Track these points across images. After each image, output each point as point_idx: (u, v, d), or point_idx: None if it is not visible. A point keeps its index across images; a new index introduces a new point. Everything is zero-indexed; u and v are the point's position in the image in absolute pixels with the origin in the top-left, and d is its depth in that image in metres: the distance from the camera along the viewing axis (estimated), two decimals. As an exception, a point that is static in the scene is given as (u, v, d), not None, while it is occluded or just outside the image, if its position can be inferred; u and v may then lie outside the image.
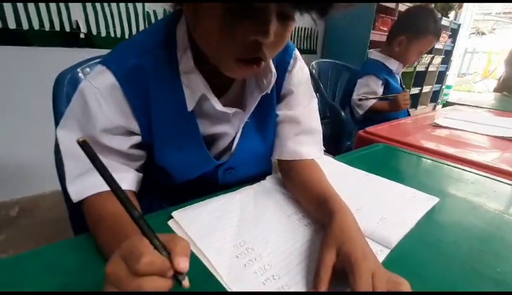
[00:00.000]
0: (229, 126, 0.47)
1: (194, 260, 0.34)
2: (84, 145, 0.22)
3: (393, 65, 1.28)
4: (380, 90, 1.26)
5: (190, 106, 0.41)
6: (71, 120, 0.38)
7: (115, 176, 0.38)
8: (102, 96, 0.37)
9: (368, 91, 1.25)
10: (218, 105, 0.42)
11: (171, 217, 0.41)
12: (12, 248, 1.13)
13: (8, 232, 1.24)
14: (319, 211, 0.41)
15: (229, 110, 0.44)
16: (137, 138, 0.42)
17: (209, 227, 0.40)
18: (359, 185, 0.55)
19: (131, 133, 0.41)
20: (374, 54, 1.31)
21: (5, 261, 0.33)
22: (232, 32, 0.31)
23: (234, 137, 0.48)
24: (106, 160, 0.38)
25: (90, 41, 1.39)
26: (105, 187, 0.35)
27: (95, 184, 0.37)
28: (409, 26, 1.18)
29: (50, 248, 0.36)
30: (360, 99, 1.25)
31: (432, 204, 0.48)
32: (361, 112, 1.27)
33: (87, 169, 0.37)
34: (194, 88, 0.40)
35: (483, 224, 0.45)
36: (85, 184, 0.37)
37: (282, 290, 0.31)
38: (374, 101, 1.23)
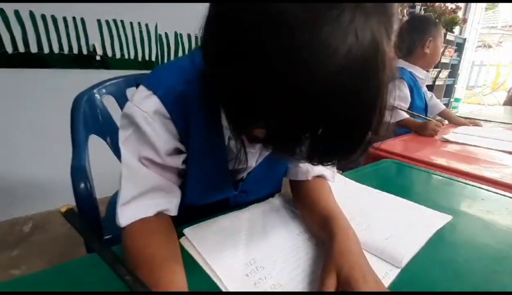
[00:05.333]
0: (251, 160, 0.46)
1: (205, 278, 0.35)
2: (67, 214, 0.21)
3: (422, 73, 1.33)
4: (409, 97, 1.28)
5: (226, 140, 0.42)
6: (130, 143, 0.39)
7: (166, 200, 0.40)
8: (153, 119, 0.37)
9: (400, 95, 1.26)
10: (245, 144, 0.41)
11: (183, 235, 0.42)
12: (25, 264, 1.14)
13: (21, 248, 1.26)
14: (322, 231, 0.41)
15: (253, 148, 0.43)
16: (184, 155, 0.43)
17: (220, 245, 0.40)
18: (369, 202, 0.55)
19: (181, 151, 0.42)
20: (400, 63, 1.34)
21: (25, 279, 0.34)
22: None
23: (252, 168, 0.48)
24: (162, 180, 0.40)
25: (105, 63, 1.47)
26: (153, 211, 0.38)
27: (135, 212, 0.37)
28: (429, 28, 1.27)
29: (69, 265, 0.37)
30: (395, 107, 1.25)
31: (444, 222, 0.48)
32: (391, 121, 1.26)
33: (140, 192, 0.38)
34: (225, 126, 0.40)
35: (496, 243, 0.44)
36: (129, 213, 0.37)
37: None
38: (407, 115, 1.24)
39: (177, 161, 0.41)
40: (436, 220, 0.49)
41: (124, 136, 0.39)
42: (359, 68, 0.22)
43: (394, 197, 0.57)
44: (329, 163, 0.29)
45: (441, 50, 1.37)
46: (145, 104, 0.37)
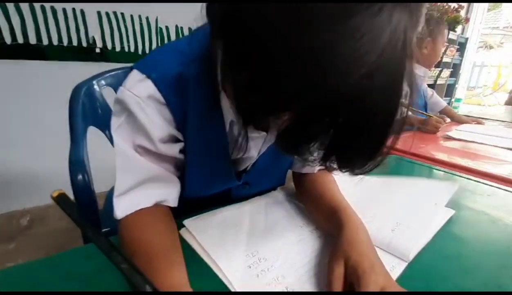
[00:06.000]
0: (253, 149, 0.44)
1: (206, 269, 0.34)
2: (59, 199, 0.20)
3: (420, 71, 1.31)
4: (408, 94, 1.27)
5: (227, 126, 0.40)
6: (123, 130, 0.37)
7: (164, 190, 0.39)
8: (146, 105, 0.35)
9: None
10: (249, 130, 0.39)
11: (183, 226, 0.41)
12: (22, 257, 1.14)
13: (19, 241, 1.25)
14: (329, 223, 0.40)
15: (258, 133, 0.41)
16: (182, 144, 0.41)
17: (221, 236, 0.39)
18: (372, 190, 0.54)
19: (177, 139, 0.40)
20: None
21: (19, 267, 0.33)
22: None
23: (255, 158, 0.47)
24: (159, 169, 0.38)
25: (105, 55, 1.45)
26: (150, 201, 0.36)
27: (133, 203, 0.36)
28: (429, 27, 1.24)
29: (63, 255, 0.36)
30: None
31: (447, 216, 0.47)
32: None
33: (136, 183, 0.36)
34: (226, 112, 0.38)
35: (504, 238, 0.43)
36: (126, 204, 0.36)
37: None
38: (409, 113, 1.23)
39: (173, 149, 0.40)
40: (439, 214, 0.47)
41: (117, 123, 0.37)
42: (389, 70, 0.21)
43: (396, 178, 0.56)
44: (345, 168, 0.28)
45: (442, 50, 1.34)
46: (138, 89, 0.35)
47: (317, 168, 0.49)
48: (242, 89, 0.25)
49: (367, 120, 0.24)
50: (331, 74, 0.20)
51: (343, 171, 0.28)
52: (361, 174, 0.29)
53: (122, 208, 0.35)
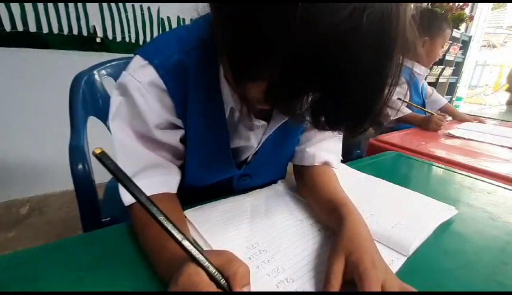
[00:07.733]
0: (253, 139, 0.44)
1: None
2: (102, 156, 0.20)
3: (421, 69, 1.30)
4: (408, 92, 1.25)
5: (226, 113, 0.40)
6: (120, 116, 0.37)
7: (164, 177, 0.39)
8: (146, 91, 0.35)
9: (400, 91, 1.24)
10: (247, 118, 0.40)
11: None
12: (20, 246, 1.14)
13: (18, 230, 1.25)
14: (330, 217, 0.40)
15: (258, 122, 0.42)
16: (182, 132, 0.41)
17: (221, 227, 0.39)
18: (373, 191, 0.54)
19: (177, 127, 0.40)
20: None
21: (18, 254, 0.33)
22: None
23: (255, 149, 0.47)
24: (157, 157, 0.38)
25: (106, 45, 1.44)
26: (152, 190, 0.36)
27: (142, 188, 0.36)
28: (429, 26, 1.22)
29: (63, 243, 0.36)
30: (399, 99, 1.23)
31: (450, 215, 0.47)
32: (392, 117, 1.24)
33: (136, 171, 0.37)
34: (226, 99, 0.39)
35: (504, 235, 0.43)
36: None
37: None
38: (409, 111, 1.21)
39: (171, 136, 0.40)
40: (442, 211, 0.47)
41: (115, 107, 0.37)
42: (378, 13, 0.21)
43: (398, 187, 0.56)
44: (336, 126, 0.28)
45: (441, 50, 1.32)
46: (140, 74, 0.36)
47: (317, 160, 0.49)
48: (234, 41, 0.24)
49: (354, 74, 0.23)
50: (316, 14, 0.20)
51: (332, 128, 0.28)
52: (353, 136, 0.29)
53: (128, 196, 0.36)
